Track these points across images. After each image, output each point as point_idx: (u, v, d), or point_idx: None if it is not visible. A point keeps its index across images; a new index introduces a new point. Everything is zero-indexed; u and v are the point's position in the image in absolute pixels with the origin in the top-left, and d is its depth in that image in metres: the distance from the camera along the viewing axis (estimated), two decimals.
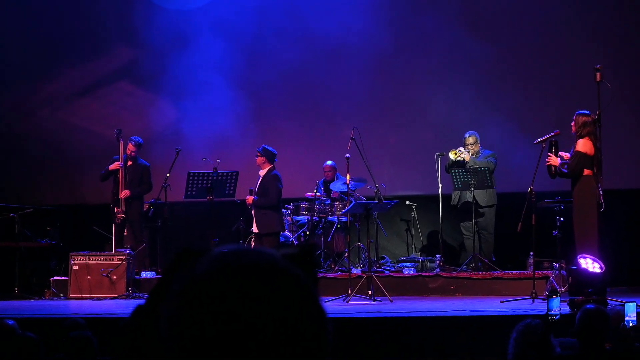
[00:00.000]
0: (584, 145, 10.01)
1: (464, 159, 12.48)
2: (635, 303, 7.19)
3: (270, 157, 12.40)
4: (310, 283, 1.29)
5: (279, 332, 1.22)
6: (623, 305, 7.23)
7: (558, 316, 8.04)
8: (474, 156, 12.60)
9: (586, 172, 9.98)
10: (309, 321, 1.26)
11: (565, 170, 10.15)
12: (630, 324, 6.80)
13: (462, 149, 12.59)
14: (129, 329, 1.45)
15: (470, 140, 12.70)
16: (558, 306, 8.17)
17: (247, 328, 1.21)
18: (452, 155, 12.48)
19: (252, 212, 12.34)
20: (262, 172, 12.41)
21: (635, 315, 6.99)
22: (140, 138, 13.11)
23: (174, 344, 1.25)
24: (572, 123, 10.19)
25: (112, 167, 12.94)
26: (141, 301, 1.48)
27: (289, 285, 1.26)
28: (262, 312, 1.22)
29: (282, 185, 12.33)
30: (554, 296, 8.22)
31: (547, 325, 5.49)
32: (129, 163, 12.98)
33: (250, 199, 12.25)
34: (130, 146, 12.95)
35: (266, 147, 12.47)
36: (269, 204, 12.25)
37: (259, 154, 12.43)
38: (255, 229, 12.32)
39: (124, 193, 12.79)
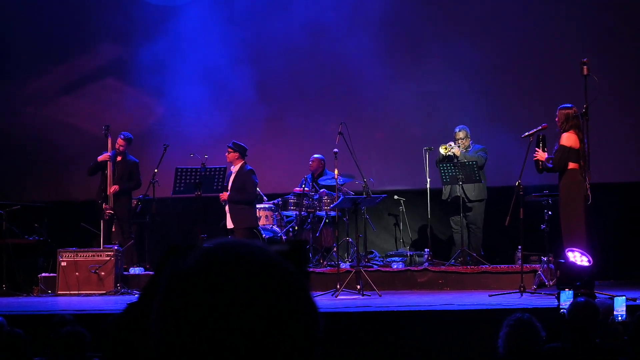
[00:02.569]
0: (567, 138, 9.99)
1: (454, 154, 12.49)
2: (624, 297, 7.19)
3: (242, 152, 12.47)
4: (302, 277, 1.28)
5: (271, 326, 1.20)
6: (612, 299, 7.24)
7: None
8: (464, 151, 12.61)
9: (572, 165, 9.96)
10: (301, 315, 1.24)
11: (550, 165, 10.14)
12: (619, 318, 6.80)
13: (452, 143, 12.59)
14: (121, 327, 1.45)
15: (461, 134, 12.71)
16: (569, 299, 8.10)
17: (237, 322, 1.19)
18: (442, 150, 12.48)
19: (226, 208, 12.33)
20: (235, 168, 12.44)
21: (624, 309, 6.99)
22: (129, 133, 13.09)
23: (163, 340, 1.23)
24: (556, 118, 10.19)
25: (100, 158, 12.88)
26: (131, 298, 1.47)
27: (281, 279, 1.25)
28: (253, 305, 1.20)
29: (258, 180, 12.42)
30: (566, 289, 8.16)
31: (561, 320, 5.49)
32: (118, 158, 12.94)
33: (225, 194, 12.26)
34: (120, 141, 12.92)
35: (236, 142, 12.52)
36: (248, 198, 12.31)
37: (230, 150, 12.45)
38: (229, 225, 12.30)
39: (113, 188, 12.75)
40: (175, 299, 1.23)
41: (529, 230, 10.61)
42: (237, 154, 12.45)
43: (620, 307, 7.01)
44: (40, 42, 15.28)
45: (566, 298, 8.05)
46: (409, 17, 14.32)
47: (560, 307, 7.99)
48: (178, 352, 1.21)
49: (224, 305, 1.20)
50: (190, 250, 1.29)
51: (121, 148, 12.92)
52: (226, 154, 12.53)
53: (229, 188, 12.35)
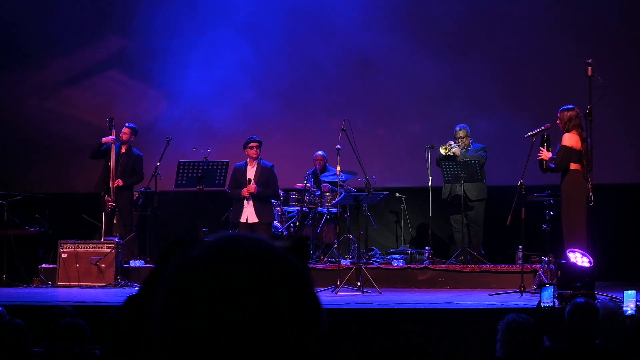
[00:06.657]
0: (569, 139, 9.97)
1: (454, 154, 12.48)
2: (634, 291, 7.17)
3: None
4: (306, 272, 1.28)
5: (275, 319, 1.21)
6: (612, 300, 7.24)
7: (550, 304, 8.03)
8: (464, 150, 12.59)
9: (574, 166, 9.94)
10: (305, 309, 1.24)
11: (553, 165, 10.13)
12: (629, 312, 6.78)
13: (452, 142, 12.57)
14: (121, 319, 1.44)
15: (461, 133, 12.69)
16: (551, 296, 8.15)
17: (242, 315, 1.19)
18: (442, 151, 12.47)
19: (249, 202, 12.24)
20: (254, 163, 12.35)
21: (633, 303, 6.99)
22: (134, 125, 13.05)
23: (165, 331, 1.23)
24: (558, 120, 10.16)
25: (105, 139, 12.81)
26: (131, 290, 1.47)
27: (286, 273, 1.25)
28: (257, 298, 1.20)
29: None
30: (547, 285, 8.22)
31: (540, 316, 5.50)
32: (123, 149, 12.90)
33: (254, 188, 12.14)
34: (125, 129, 12.86)
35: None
36: (274, 193, 12.33)
37: (259, 145, 12.35)
38: (253, 219, 12.22)
39: (116, 182, 12.72)
40: (180, 291, 1.22)
41: (530, 230, 10.61)
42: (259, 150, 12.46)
43: (629, 300, 7.00)
44: (45, 33, 15.26)
45: (548, 295, 8.09)
46: (413, 18, 14.30)
47: (542, 303, 8.01)
48: (181, 344, 1.21)
49: (229, 298, 1.20)
50: (194, 243, 1.29)
51: (124, 137, 12.86)
52: (255, 149, 12.30)
53: (254, 183, 12.24)
